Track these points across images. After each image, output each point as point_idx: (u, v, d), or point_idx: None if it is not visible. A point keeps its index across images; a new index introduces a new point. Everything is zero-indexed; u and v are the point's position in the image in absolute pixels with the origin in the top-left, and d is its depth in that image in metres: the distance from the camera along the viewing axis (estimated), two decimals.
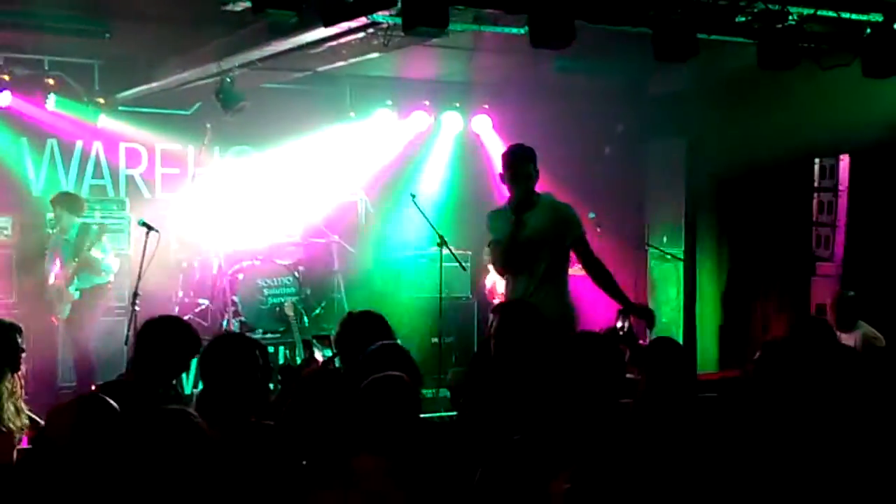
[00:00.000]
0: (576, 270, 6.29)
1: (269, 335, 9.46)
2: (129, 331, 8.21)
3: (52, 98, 9.22)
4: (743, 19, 6.37)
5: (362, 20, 6.22)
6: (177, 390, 4.83)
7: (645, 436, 3.98)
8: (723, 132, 9.47)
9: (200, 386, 4.30)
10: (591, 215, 9.42)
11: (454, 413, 5.49)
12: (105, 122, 9.76)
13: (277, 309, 9.60)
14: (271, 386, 4.67)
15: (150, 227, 8.48)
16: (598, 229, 9.55)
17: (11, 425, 5.19)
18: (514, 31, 6.57)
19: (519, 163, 5.97)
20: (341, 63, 8.17)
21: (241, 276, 9.63)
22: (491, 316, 5.05)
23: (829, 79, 6.67)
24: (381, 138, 10.64)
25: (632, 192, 10.99)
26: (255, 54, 7.67)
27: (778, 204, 9.66)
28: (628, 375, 4.28)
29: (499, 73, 9.90)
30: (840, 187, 9.07)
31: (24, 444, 5.21)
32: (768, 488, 3.72)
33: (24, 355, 5.44)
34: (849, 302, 7.47)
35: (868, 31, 6.59)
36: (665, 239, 10.67)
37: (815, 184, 9.33)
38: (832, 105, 7.87)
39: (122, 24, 8.14)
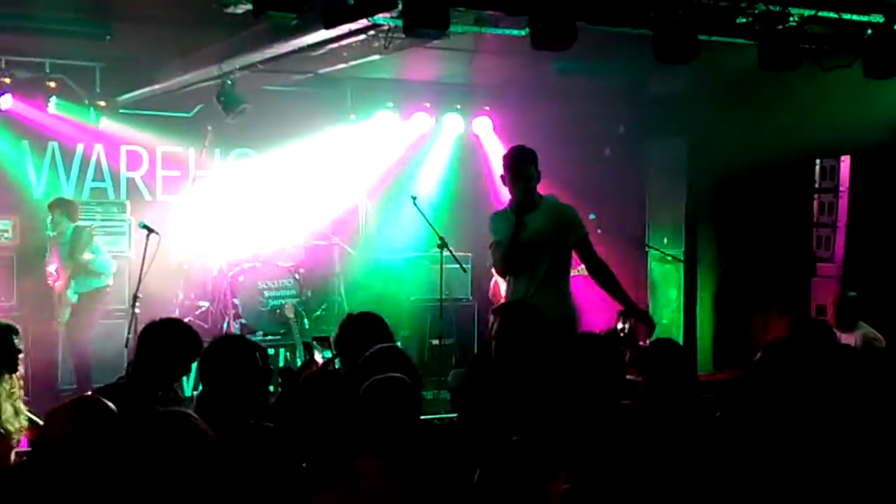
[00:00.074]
0: (576, 272, 6.29)
1: (269, 337, 9.47)
2: (129, 333, 8.22)
3: (53, 101, 9.23)
4: (744, 20, 6.36)
5: (363, 22, 6.21)
6: (177, 392, 4.81)
7: (645, 437, 3.97)
8: (724, 133, 9.44)
9: (201, 388, 4.30)
10: (592, 216, 9.40)
11: (455, 415, 5.48)
12: (106, 124, 9.78)
13: (278, 311, 9.61)
14: (271, 388, 4.67)
15: (150, 230, 8.50)
16: (599, 230, 9.53)
17: (10, 426, 5.19)
18: (515, 32, 6.56)
19: (520, 164, 5.96)
20: (342, 65, 8.18)
21: (241, 279, 9.64)
22: (492, 317, 5.04)
23: (829, 80, 6.67)
24: (382, 140, 10.64)
25: (632, 193, 10.96)
26: (256, 57, 7.67)
27: (778, 205, 9.65)
28: (628, 377, 4.29)
29: (499, 75, 9.89)
30: (841, 188, 9.06)
31: (24, 446, 5.21)
32: (769, 489, 3.72)
33: (21, 356, 5.43)
34: (849, 302, 7.48)
35: (869, 32, 6.59)
36: (665, 240, 10.65)
37: (816, 185, 9.32)
38: (833, 106, 7.85)
39: (123, 27, 8.12)
